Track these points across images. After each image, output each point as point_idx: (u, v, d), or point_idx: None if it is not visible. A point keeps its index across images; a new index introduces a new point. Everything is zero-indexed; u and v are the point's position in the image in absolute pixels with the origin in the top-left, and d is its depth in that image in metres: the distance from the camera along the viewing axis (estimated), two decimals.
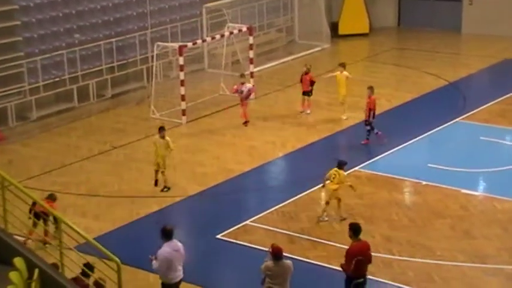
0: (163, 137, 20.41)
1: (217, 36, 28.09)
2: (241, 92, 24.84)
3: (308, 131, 24.57)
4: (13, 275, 11.19)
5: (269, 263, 13.39)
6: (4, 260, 12.04)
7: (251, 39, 27.88)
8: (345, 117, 25.19)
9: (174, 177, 21.03)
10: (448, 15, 37.15)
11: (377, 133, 23.01)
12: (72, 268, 13.42)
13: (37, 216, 15.74)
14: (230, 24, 29.12)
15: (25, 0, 26.61)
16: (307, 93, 25.90)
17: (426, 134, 23.79)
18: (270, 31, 35.36)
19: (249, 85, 25.47)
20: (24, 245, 13.26)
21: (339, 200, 18.32)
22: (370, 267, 15.66)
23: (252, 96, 26.37)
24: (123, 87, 29.10)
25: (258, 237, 17.70)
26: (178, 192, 20.37)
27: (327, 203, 18.42)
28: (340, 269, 14.27)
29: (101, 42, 28.33)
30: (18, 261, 11.76)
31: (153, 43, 27.76)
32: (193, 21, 31.75)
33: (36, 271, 11.99)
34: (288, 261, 13.56)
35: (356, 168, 21.14)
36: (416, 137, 23.51)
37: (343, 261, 14.04)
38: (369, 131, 23.05)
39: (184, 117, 25.62)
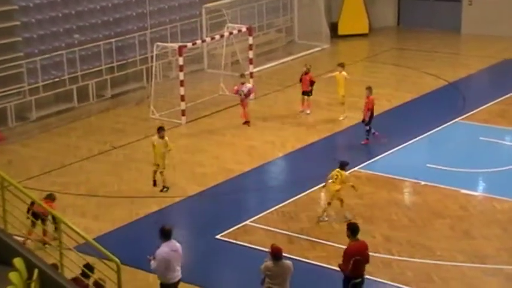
0: (162, 137, 20.40)
1: (217, 37, 28.10)
2: (242, 92, 24.82)
3: (308, 131, 24.57)
4: (13, 276, 11.19)
5: (269, 263, 13.39)
6: (4, 260, 12.03)
7: (251, 40, 27.88)
8: (341, 118, 25.21)
9: (173, 177, 21.04)
10: (447, 15, 37.16)
11: (374, 133, 23.03)
12: (71, 268, 13.42)
13: (36, 216, 15.76)
14: (230, 25, 29.13)
15: (25, 1, 26.61)
16: (306, 93, 25.91)
17: (426, 134, 23.80)
18: (270, 31, 35.37)
19: (249, 85, 25.47)
20: (23, 245, 13.26)
21: (342, 201, 18.30)
22: (370, 268, 15.66)
23: (252, 96, 26.37)
24: (123, 88, 29.11)
25: (258, 237, 17.70)
26: (177, 192, 20.37)
27: (329, 203, 18.40)
28: (338, 269, 14.28)
29: (101, 43, 28.33)
30: (17, 262, 11.76)
31: (153, 43, 27.76)
32: (192, 21, 31.75)
33: (36, 271, 11.99)
34: (288, 262, 13.57)
35: (356, 168, 21.13)
36: (415, 137, 23.52)
37: (341, 261, 14.05)
38: (368, 131, 23.06)
39: (183, 118, 25.62)
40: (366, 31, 36.82)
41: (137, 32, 29.65)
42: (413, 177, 20.70)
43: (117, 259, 12.76)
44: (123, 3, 29.66)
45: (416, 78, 29.95)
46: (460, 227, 18.08)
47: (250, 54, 27.89)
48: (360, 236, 14.29)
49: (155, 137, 20.58)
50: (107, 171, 21.99)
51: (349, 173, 19.92)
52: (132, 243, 17.41)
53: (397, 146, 22.88)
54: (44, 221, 16.24)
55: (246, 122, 25.17)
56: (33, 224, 15.89)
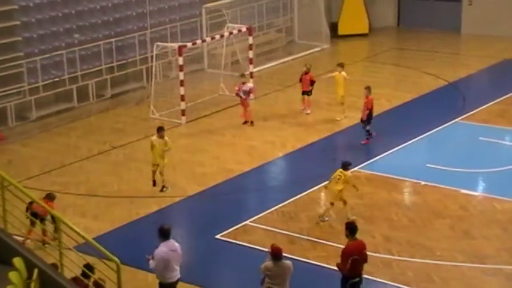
0: (161, 137, 20.39)
1: (217, 37, 28.09)
2: (243, 93, 24.80)
3: (308, 131, 24.57)
4: (12, 275, 11.19)
5: (268, 263, 13.39)
6: (3, 260, 12.03)
7: (251, 40, 27.88)
8: (338, 118, 25.21)
9: (173, 177, 21.04)
10: (447, 15, 37.15)
11: (370, 134, 23.08)
12: (71, 268, 13.42)
13: (34, 215, 15.76)
14: (230, 25, 29.13)
15: (25, 0, 26.60)
16: (306, 92, 25.92)
17: (425, 134, 23.80)
18: (270, 31, 35.36)
19: (249, 84, 25.46)
20: (23, 245, 13.27)
21: (345, 202, 18.27)
22: (370, 268, 15.68)
23: (252, 96, 26.36)
24: (123, 87, 29.10)
25: (258, 237, 17.70)
26: (177, 192, 20.37)
27: (332, 203, 18.36)
28: (336, 268, 14.29)
29: (101, 42, 28.33)
30: (17, 261, 11.76)
31: (153, 43, 27.76)
32: (192, 21, 31.75)
33: (36, 271, 11.99)
34: (288, 262, 13.57)
35: (355, 168, 21.10)
36: (415, 137, 23.52)
37: (339, 260, 14.06)
38: (368, 131, 23.06)
39: (183, 118, 25.62)
40: (366, 31, 36.82)
41: (137, 32, 29.65)
42: (414, 177, 20.70)
43: (116, 259, 12.77)
44: (123, 3, 29.66)
45: (416, 78, 29.95)
46: (460, 227, 18.08)
47: (250, 54, 27.89)
48: (360, 236, 14.29)
49: (154, 137, 20.56)
50: (106, 171, 21.99)
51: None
52: (132, 243, 17.41)
53: (397, 146, 22.88)
54: (43, 221, 16.24)
55: (246, 122, 25.18)
56: (33, 223, 15.88)
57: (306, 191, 20.02)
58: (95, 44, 28.20)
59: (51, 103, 27.03)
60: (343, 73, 25.23)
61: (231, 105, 26.68)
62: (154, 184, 20.63)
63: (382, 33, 37.08)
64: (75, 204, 19.78)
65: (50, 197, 17.27)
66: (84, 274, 13.42)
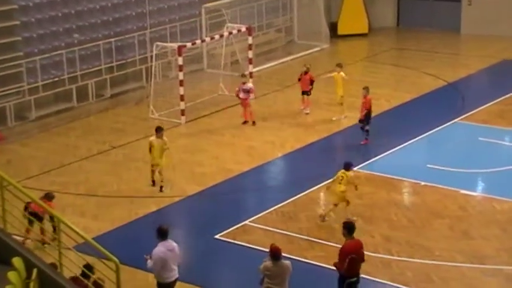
0: (160, 137, 20.39)
1: (217, 37, 28.09)
2: (243, 93, 24.80)
3: (307, 131, 24.57)
4: (11, 275, 11.19)
5: (268, 263, 13.40)
6: (3, 259, 12.03)
7: (250, 40, 27.88)
8: (334, 118, 25.23)
9: (173, 177, 21.04)
10: (447, 15, 37.15)
11: (365, 136, 23.15)
12: (70, 268, 13.42)
13: (33, 215, 15.75)
14: (229, 25, 29.13)
15: (24, 0, 26.59)
16: (306, 92, 25.93)
17: (425, 135, 23.80)
18: (269, 31, 35.36)
19: (249, 84, 25.44)
20: (23, 245, 13.26)
21: (348, 202, 18.26)
22: (369, 268, 15.70)
23: (252, 96, 26.35)
24: (122, 87, 29.10)
25: (257, 237, 17.70)
26: (177, 192, 20.37)
27: (336, 205, 18.28)
28: (334, 268, 14.30)
29: (100, 42, 28.33)
30: (16, 261, 11.75)
31: (152, 43, 27.76)
32: (192, 21, 31.74)
33: (35, 271, 11.98)
34: (287, 262, 13.58)
35: (355, 168, 21.06)
36: (415, 138, 23.52)
37: (337, 260, 14.07)
38: (367, 131, 23.07)
39: (183, 117, 25.62)
40: (366, 31, 36.82)
41: (137, 32, 29.64)
42: (413, 177, 20.70)
43: (116, 259, 12.76)
44: (123, 3, 29.65)
45: (415, 78, 29.94)
46: (459, 227, 18.09)
47: (250, 54, 27.89)
48: (359, 236, 14.30)
49: (153, 138, 20.56)
50: (106, 170, 21.98)
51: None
52: (131, 243, 17.41)
53: (396, 146, 22.88)
54: (41, 221, 16.24)
55: (246, 122, 25.19)
56: (31, 223, 15.86)
57: (305, 191, 20.03)
58: (94, 43, 28.20)
59: (50, 103, 27.02)
60: (342, 73, 25.24)
61: (230, 105, 26.68)
62: (153, 184, 20.64)
63: (382, 33, 37.08)
64: (75, 204, 19.78)
65: (48, 197, 17.25)
66: (83, 274, 13.42)
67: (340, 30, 36.60)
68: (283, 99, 27.86)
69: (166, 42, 28.61)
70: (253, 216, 18.73)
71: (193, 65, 30.94)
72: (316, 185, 20.25)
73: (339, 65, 25.57)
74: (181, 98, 25.54)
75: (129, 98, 28.46)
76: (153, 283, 14.32)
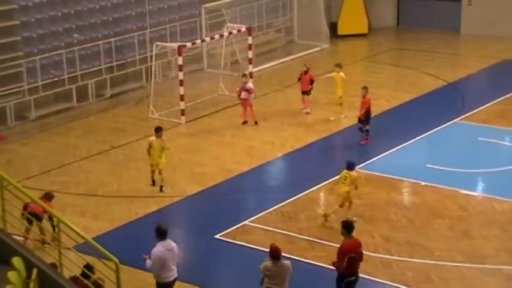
0: (160, 137, 20.39)
1: (216, 36, 28.08)
2: (243, 92, 24.79)
3: (307, 131, 24.57)
4: (11, 275, 11.19)
5: (268, 263, 13.40)
6: (3, 259, 12.03)
7: (250, 40, 27.87)
8: (332, 118, 25.23)
9: (173, 177, 21.04)
10: (447, 15, 37.15)
11: (362, 138, 23.15)
12: (70, 268, 13.42)
13: (30, 219, 15.73)
14: (229, 25, 29.12)
15: (24, 0, 26.59)
16: (306, 92, 25.94)
17: (425, 135, 23.80)
18: (269, 31, 35.36)
19: (250, 84, 25.42)
20: (23, 244, 13.26)
21: (351, 202, 18.25)
22: (369, 268, 15.71)
23: (252, 96, 26.34)
24: (122, 87, 29.10)
25: (257, 237, 17.70)
26: (177, 192, 20.37)
27: (341, 206, 18.22)
28: (333, 267, 14.30)
29: (100, 42, 28.33)
30: (16, 261, 11.75)
31: (152, 43, 27.75)
32: (192, 21, 31.74)
33: (35, 271, 11.99)
34: (287, 262, 13.58)
35: (355, 168, 21.09)
36: (415, 138, 23.52)
37: (335, 259, 14.08)
38: (367, 131, 23.07)
39: (183, 117, 25.62)
40: (366, 31, 36.82)
41: (136, 32, 29.64)
42: (413, 177, 20.70)
43: (116, 259, 12.77)
44: (123, 2, 29.65)
45: (415, 78, 29.95)
46: (459, 227, 18.09)
47: (250, 54, 27.89)
48: (359, 236, 14.31)
49: (153, 138, 20.56)
50: (106, 170, 21.98)
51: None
52: (131, 243, 17.41)
53: (396, 146, 22.88)
54: (40, 221, 16.24)
55: (245, 122, 25.19)
56: (30, 222, 15.86)
57: (305, 191, 20.03)
58: (94, 43, 28.20)
59: (50, 103, 27.02)
60: (341, 73, 25.24)
61: (230, 105, 26.68)
62: (153, 184, 20.65)
63: (382, 33, 37.08)
64: (75, 204, 19.78)
65: (48, 197, 17.25)
66: (84, 274, 13.42)
67: (340, 30, 36.60)
68: (283, 99, 27.86)
69: (166, 42, 28.61)
70: (253, 216, 18.73)
71: (193, 65, 30.94)
72: (316, 185, 20.26)
73: (338, 65, 25.57)
74: (181, 98, 25.54)
75: (129, 98, 28.46)
76: (153, 283, 14.32)
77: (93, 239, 13.81)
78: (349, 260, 13.83)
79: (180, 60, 25.38)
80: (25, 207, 15.96)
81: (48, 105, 26.83)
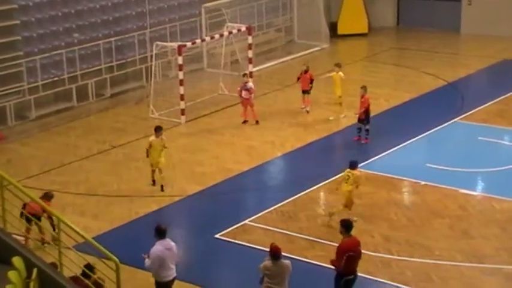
0: (159, 137, 20.40)
1: (216, 36, 28.09)
2: (244, 92, 24.79)
3: (307, 130, 24.58)
4: (12, 274, 11.20)
5: (267, 262, 13.41)
6: (3, 259, 12.04)
7: (250, 39, 27.87)
8: (331, 118, 25.25)
9: (173, 176, 21.05)
10: (447, 15, 37.17)
11: (359, 137, 23.11)
12: (71, 267, 13.43)
13: (28, 219, 15.75)
14: (229, 24, 29.14)
15: (24, 0, 26.60)
16: (306, 91, 25.95)
17: (424, 134, 23.81)
18: (269, 31, 35.38)
19: (250, 84, 25.42)
20: (24, 244, 13.27)
21: (352, 202, 18.24)
22: (369, 267, 15.73)
23: (252, 95, 26.34)
24: (122, 87, 29.11)
25: (257, 236, 17.71)
26: (177, 191, 20.38)
27: (346, 205, 18.17)
28: (332, 266, 14.31)
29: (100, 42, 28.34)
30: (16, 261, 11.76)
31: (152, 43, 27.76)
32: (192, 20, 31.76)
33: (35, 270, 12.00)
34: (287, 261, 13.59)
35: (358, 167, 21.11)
36: (414, 137, 23.53)
37: (334, 257, 14.10)
38: (367, 130, 23.09)
39: (183, 117, 25.63)
40: (366, 31, 36.83)
41: (137, 31, 29.66)
42: (413, 177, 20.71)
43: (116, 258, 12.78)
44: (123, 2, 29.67)
45: (415, 78, 29.96)
46: (459, 226, 18.10)
47: (250, 53, 27.90)
48: (359, 236, 14.32)
49: (152, 137, 20.57)
50: (106, 170, 21.99)
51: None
52: (131, 243, 17.39)
53: (396, 146, 22.89)
54: (39, 220, 16.25)
55: (245, 122, 25.21)
56: (29, 222, 15.88)
57: (305, 190, 20.04)
58: (94, 43, 28.21)
59: (50, 102, 27.03)
60: (340, 73, 25.25)
61: (230, 104, 26.70)
62: (154, 183, 20.66)
63: (382, 33, 37.09)
64: (75, 204, 19.79)
65: (47, 196, 17.24)
66: (84, 274, 13.43)
67: (340, 30, 36.62)
68: (283, 98, 27.87)
69: (166, 41, 28.63)
70: (253, 216, 18.74)
71: (193, 65, 30.96)
72: (316, 184, 20.26)
73: (338, 65, 25.57)
74: (181, 97, 25.55)
75: (129, 98, 28.48)
76: (153, 282, 14.33)
77: (93, 238, 13.81)
78: (348, 259, 13.86)
79: (180, 60, 25.39)
80: (24, 206, 15.97)
81: (48, 105, 26.84)
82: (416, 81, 29.48)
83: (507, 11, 35.07)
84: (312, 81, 25.79)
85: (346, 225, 14.16)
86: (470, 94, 27.94)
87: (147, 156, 20.52)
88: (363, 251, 14.38)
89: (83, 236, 13.04)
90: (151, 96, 26.50)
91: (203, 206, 19.73)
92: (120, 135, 24.65)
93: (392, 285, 15.72)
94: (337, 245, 14.44)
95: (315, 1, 35.08)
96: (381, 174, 20.99)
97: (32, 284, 11.60)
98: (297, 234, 17.77)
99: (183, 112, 25.63)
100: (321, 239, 17.47)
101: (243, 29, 28.02)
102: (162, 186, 20.40)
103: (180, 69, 25.47)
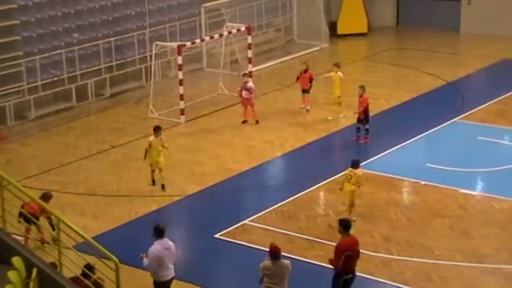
0: (159, 137, 20.39)
1: (216, 36, 28.08)
2: (245, 92, 24.78)
3: (307, 130, 24.58)
4: (11, 274, 11.19)
5: (267, 262, 13.41)
6: (2, 259, 12.04)
7: (250, 39, 27.87)
8: (330, 118, 25.24)
9: (173, 176, 21.04)
10: (446, 15, 37.17)
11: (358, 137, 23.10)
12: (70, 267, 13.42)
13: (27, 220, 15.72)
14: (229, 24, 29.13)
15: (24, 0, 26.59)
16: (306, 90, 25.96)
17: (424, 134, 23.81)
18: (269, 31, 35.37)
19: (250, 83, 25.41)
20: (24, 244, 13.26)
21: (354, 202, 18.24)
22: (369, 267, 15.73)
23: (252, 95, 26.33)
24: (122, 87, 29.11)
25: (257, 236, 17.71)
26: (177, 191, 20.37)
27: (352, 205, 18.20)
28: (330, 265, 14.31)
29: (100, 42, 28.33)
30: (16, 261, 11.76)
31: (152, 42, 27.76)
32: (191, 20, 31.75)
33: (35, 270, 11.99)
34: (286, 261, 13.59)
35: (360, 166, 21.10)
36: (414, 137, 23.53)
37: (332, 257, 14.09)
38: (367, 130, 23.08)
39: (182, 117, 25.62)
40: (365, 30, 36.83)
41: (136, 31, 29.65)
42: (413, 176, 20.70)
43: (115, 258, 12.78)
44: (122, 2, 29.66)
45: (415, 77, 29.95)
46: (459, 226, 18.09)
47: (249, 53, 27.89)
48: (359, 236, 14.32)
49: (152, 137, 20.56)
50: (106, 170, 21.99)
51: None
52: (131, 242, 17.37)
53: (395, 146, 22.89)
54: (36, 223, 16.24)
55: (245, 121, 25.20)
56: (28, 221, 15.86)
57: (305, 190, 20.03)
58: (94, 43, 28.20)
59: (50, 102, 27.03)
60: (340, 73, 25.25)
61: (230, 104, 26.69)
62: (153, 183, 20.66)
63: (381, 33, 37.09)
64: (74, 204, 19.79)
65: (45, 197, 17.19)
66: (84, 274, 13.42)
67: (340, 30, 36.62)
68: (282, 98, 27.87)
69: (166, 41, 28.62)
70: (253, 216, 18.73)
71: (192, 64, 30.95)
72: (316, 184, 20.26)
73: (337, 65, 25.57)
74: (181, 97, 25.54)
75: (129, 98, 28.47)
76: (152, 282, 14.33)
77: (93, 238, 13.81)
78: (346, 258, 13.85)
79: (179, 60, 25.38)
80: (22, 206, 15.94)
81: (48, 105, 26.84)
82: (416, 81, 29.48)
83: (507, 11, 35.08)
84: (311, 80, 25.81)
85: (345, 225, 14.16)
86: (470, 94, 27.94)
87: (145, 157, 20.50)
88: (362, 251, 14.40)
89: (82, 236, 13.04)
90: (150, 96, 26.49)
91: (203, 206, 19.72)
92: (120, 135, 24.64)
93: (392, 285, 15.71)
94: (336, 244, 14.44)
95: (314, 1, 35.08)
96: (381, 174, 20.99)
97: (31, 284, 11.60)
98: (297, 234, 17.77)
99: (182, 112, 25.62)
100: (321, 239, 17.47)
101: (243, 28, 28.01)
102: (162, 185, 20.40)
103: (180, 69, 25.47)
